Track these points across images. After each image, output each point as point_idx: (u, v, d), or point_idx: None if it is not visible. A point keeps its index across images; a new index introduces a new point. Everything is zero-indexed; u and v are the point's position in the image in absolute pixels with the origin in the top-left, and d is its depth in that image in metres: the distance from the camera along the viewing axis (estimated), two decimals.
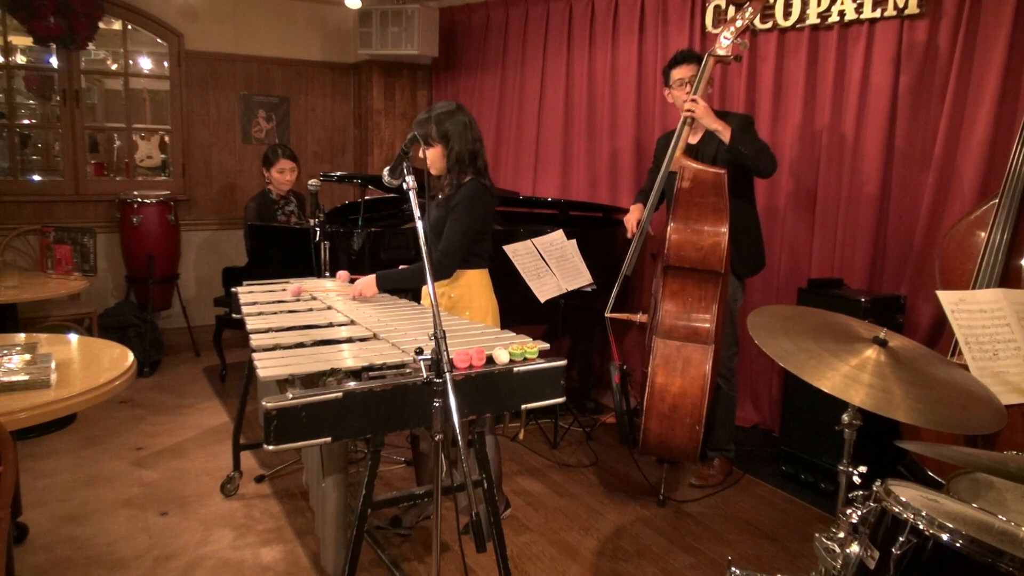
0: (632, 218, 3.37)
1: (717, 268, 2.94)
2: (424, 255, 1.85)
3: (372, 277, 2.79)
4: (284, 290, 2.98)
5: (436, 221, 2.76)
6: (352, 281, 2.89)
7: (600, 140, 4.83)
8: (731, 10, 3.99)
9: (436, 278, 2.74)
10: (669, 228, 2.96)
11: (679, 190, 3.02)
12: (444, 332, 1.72)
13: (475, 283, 2.82)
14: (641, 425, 2.97)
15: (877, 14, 3.45)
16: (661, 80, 3.45)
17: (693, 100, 3.07)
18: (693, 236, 2.94)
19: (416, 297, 3.08)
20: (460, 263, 2.75)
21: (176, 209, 5.23)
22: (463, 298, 2.80)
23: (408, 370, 1.91)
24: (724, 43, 3.08)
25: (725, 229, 2.92)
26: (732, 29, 3.07)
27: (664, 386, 2.91)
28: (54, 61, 5.10)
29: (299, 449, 2.64)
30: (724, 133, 3.05)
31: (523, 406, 2.04)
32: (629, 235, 3.33)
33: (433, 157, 2.73)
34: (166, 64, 5.45)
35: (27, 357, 2.28)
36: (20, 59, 5.51)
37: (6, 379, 2.06)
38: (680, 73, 3.24)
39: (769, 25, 3.85)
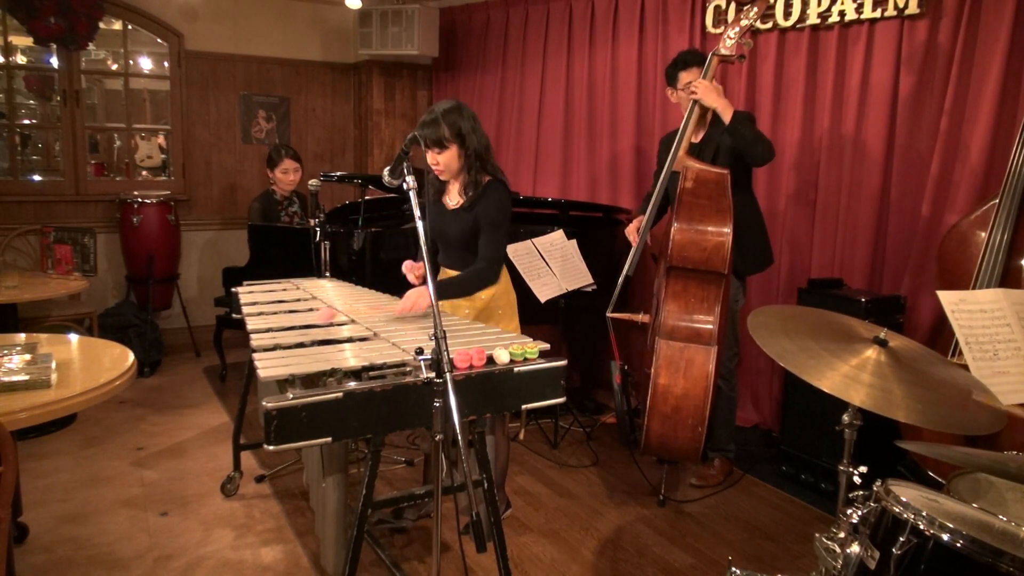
0: (632, 227, 3.37)
1: (720, 269, 2.93)
2: (424, 255, 1.85)
3: (424, 288, 2.49)
4: (312, 309, 2.63)
5: (464, 227, 2.63)
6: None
7: (600, 140, 4.83)
8: (731, 10, 4.00)
9: (486, 285, 2.68)
10: (672, 228, 2.94)
11: (682, 190, 3.01)
12: (444, 332, 1.72)
13: (502, 280, 2.79)
14: (643, 425, 2.97)
15: (877, 14, 3.45)
16: (661, 80, 3.45)
17: (694, 84, 3.09)
18: (696, 237, 2.93)
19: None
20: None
21: (176, 209, 5.23)
22: (495, 297, 2.76)
23: (408, 370, 1.92)
24: (728, 43, 3.08)
25: (729, 230, 2.91)
26: (737, 29, 3.07)
27: (667, 387, 2.90)
28: (54, 61, 5.09)
29: (299, 449, 2.64)
30: (726, 112, 3.05)
31: (523, 406, 2.04)
32: (633, 243, 3.32)
33: (448, 159, 2.57)
34: (166, 64, 5.45)
35: (27, 357, 2.28)
36: (20, 59, 5.51)
37: (6, 379, 2.06)
38: (689, 76, 3.22)
39: (769, 25, 3.85)
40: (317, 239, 3.44)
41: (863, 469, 1.85)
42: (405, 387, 1.83)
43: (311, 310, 2.63)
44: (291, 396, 1.70)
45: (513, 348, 2.00)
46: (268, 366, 1.89)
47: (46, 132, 5.86)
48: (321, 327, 2.34)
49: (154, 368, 5.03)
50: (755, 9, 3.08)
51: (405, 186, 1.96)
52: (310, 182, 3.58)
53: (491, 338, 2.21)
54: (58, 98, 5.17)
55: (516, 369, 1.97)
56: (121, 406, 4.31)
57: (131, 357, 2.45)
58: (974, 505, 1.54)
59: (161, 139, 5.89)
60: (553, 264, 3.71)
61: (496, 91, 5.46)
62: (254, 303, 2.73)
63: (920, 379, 1.74)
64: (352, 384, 1.80)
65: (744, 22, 3.08)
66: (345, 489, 2.19)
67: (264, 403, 1.67)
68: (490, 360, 1.97)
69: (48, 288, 4.11)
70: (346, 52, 6.03)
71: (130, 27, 5.30)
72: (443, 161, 2.59)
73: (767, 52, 3.91)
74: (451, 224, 2.69)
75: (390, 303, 2.76)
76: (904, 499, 1.45)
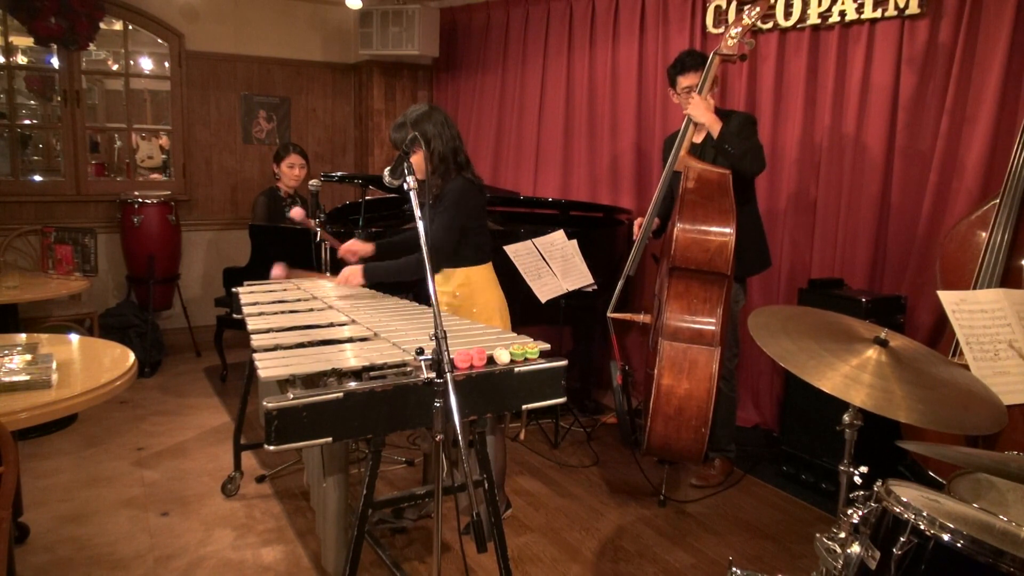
0: (638, 222, 3.38)
1: (723, 270, 2.92)
2: (425, 255, 1.85)
3: (359, 267, 2.78)
4: (284, 290, 2.98)
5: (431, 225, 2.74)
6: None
7: (601, 140, 4.82)
8: (732, 10, 4.00)
9: (419, 274, 2.73)
10: (675, 229, 2.94)
11: (684, 190, 3.01)
12: (445, 332, 1.72)
13: (477, 279, 2.80)
14: (645, 426, 2.97)
15: (878, 14, 3.45)
16: (662, 80, 3.46)
17: (690, 96, 3.10)
18: (700, 237, 2.92)
19: (420, 298, 3.07)
20: (448, 260, 2.74)
21: (177, 209, 5.24)
22: (467, 296, 2.78)
23: (409, 370, 1.91)
24: (730, 42, 3.08)
25: (731, 230, 2.90)
26: (738, 29, 3.07)
27: (670, 388, 2.90)
28: (55, 61, 5.10)
29: (300, 449, 2.64)
30: (714, 127, 3.06)
31: (524, 406, 2.04)
32: (634, 237, 3.33)
33: (416, 162, 2.62)
34: (167, 64, 5.45)
35: (28, 357, 2.28)
36: (21, 59, 5.52)
37: (7, 379, 2.07)
38: (687, 81, 3.23)
39: (770, 25, 3.85)
40: (318, 239, 3.45)
41: (864, 469, 1.85)
42: (406, 387, 1.83)
43: (311, 310, 2.63)
44: (292, 396, 1.70)
45: (514, 348, 2.00)
46: (269, 366, 1.89)
47: (47, 132, 5.87)
48: (322, 327, 2.34)
49: (155, 368, 5.04)
50: (756, 9, 3.08)
51: (405, 186, 1.96)
52: (311, 182, 3.59)
53: (491, 338, 2.21)
54: (59, 98, 5.17)
55: (516, 369, 1.97)
56: (122, 406, 4.31)
57: (132, 357, 2.45)
58: (975, 505, 1.54)
59: (162, 139, 5.89)
60: (554, 264, 3.70)
61: (497, 91, 5.46)
62: (255, 303, 2.73)
63: (921, 379, 1.74)
64: (353, 384, 1.80)
65: (745, 21, 3.08)
66: (346, 489, 2.19)
67: (265, 403, 1.66)
68: (491, 360, 1.97)
69: (49, 288, 4.11)
70: (347, 52, 6.03)
71: (131, 27, 5.31)
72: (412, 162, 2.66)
73: (768, 52, 3.90)
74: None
75: (384, 299, 2.77)
76: (905, 499, 1.45)
